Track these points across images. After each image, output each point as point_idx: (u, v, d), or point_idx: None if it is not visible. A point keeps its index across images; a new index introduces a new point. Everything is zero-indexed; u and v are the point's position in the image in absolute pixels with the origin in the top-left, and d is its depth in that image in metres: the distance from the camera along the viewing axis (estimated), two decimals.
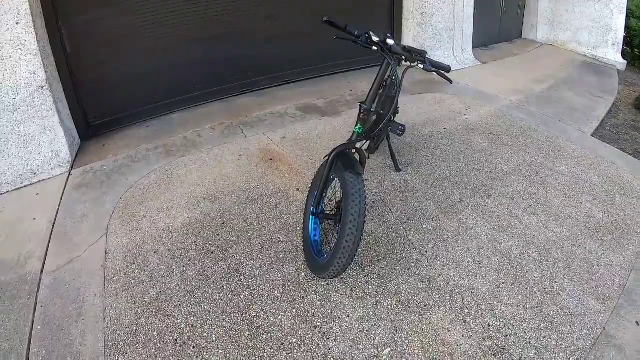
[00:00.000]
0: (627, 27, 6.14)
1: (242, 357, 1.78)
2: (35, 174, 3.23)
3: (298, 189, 2.83)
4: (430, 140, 3.46)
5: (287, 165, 3.11)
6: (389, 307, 2.01)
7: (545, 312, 1.99)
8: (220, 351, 1.81)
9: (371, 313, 1.98)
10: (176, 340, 1.84)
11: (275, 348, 1.82)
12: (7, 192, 3.09)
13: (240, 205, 2.72)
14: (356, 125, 2.10)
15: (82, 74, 3.62)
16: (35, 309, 2.05)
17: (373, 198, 2.74)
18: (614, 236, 2.48)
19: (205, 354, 1.80)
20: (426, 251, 2.31)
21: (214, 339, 1.86)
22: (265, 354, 1.80)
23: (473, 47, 5.52)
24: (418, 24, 5.03)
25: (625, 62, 5.95)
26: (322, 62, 4.83)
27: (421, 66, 2.01)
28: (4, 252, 2.44)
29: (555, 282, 2.16)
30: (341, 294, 2.06)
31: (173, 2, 3.89)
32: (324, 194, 2.16)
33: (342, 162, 1.98)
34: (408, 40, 5.23)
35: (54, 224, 2.68)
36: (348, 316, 1.96)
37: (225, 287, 2.10)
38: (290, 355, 1.80)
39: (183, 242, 2.42)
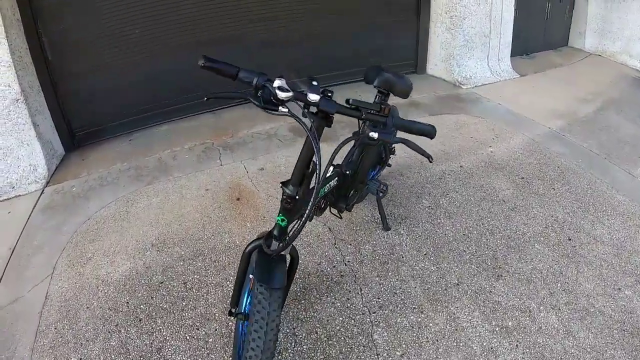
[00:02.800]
0: None
1: None
2: (13, 187, 2.97)
3: None
4: (440, 183, 2.68)
5: (253, 210, 2.49)
6: None
7: None
8: None
9: None
10: None
11: None
12: None
13: (186, 261, 2.17)
14: (279, 215, 1.38)
15: (65, 83, 3.24)
16: None
17: (342, 269, 2.05)
18: None
19: None
20: None
21: None
22: None
23: (512, 56, 4.51)
24: (447, 28, 4.11)
25: None
26: (330, 69, 4.11)
27: (374, 135, 1.16)
28: None
29: None
30: None
31: (159, 9, 3.37)
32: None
33: (258, 264, 1.34)
34: (435, 48, 4.33)
35: (12, 252, 2.39)
36: None
37: None
38: None
39: (116, 301, 1.98)
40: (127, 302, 1.96)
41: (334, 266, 2.06)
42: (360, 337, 1.70)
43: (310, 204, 1.14)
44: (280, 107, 1.15)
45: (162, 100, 3.65)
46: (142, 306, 1.94)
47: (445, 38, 4.14)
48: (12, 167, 2.97)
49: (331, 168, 1.73)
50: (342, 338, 1.70)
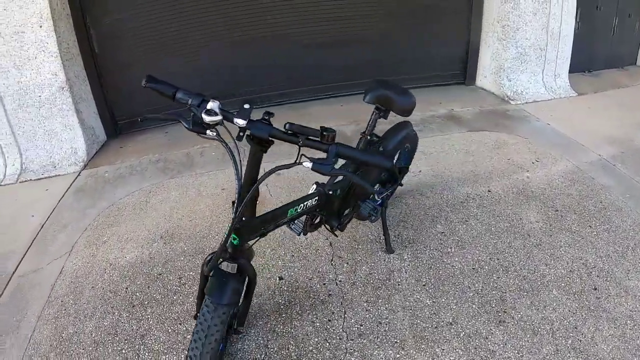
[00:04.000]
0: None
1: None
2: (55, 167, 3.25)
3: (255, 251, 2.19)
4: (460, 208, 2.48)
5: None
6: None
7: None
8: None
9: None
10: None
11: None
12: (29, 180, 3.16)
13: (186, 257, 2.21)
14: (232, 234, 1.31)
15: (109, 74, 3.46)
16: None
17: (332, 288, 1.96)
18: None
19: None
20: None
21: None
22: None
23: (571, 72, 4.06)
24: (498, 39, 3.79)
25: None
26: (371, 77, 3.97)
27: (308, 165, 1.06)
28: None
29: None
30: None
31: (202, 6, 3.45)
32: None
33: (211, 278, 1.31)
34: (485, 59, 4.02)
35: (42, 226, 2.62)
36: None
37: (123, 352, 1.73)
38: None
39: (117, 285, 2.09)
40: (127, 288, 2.06)
41: (324, 284, 1.98)
42: None
43: (231, 223, 1.17)
44: (208, 131, 1.11)
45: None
46: (138, 293, 2.01)
47: (496, 49, 3.83)
48: (55, 149, 3.24)
49: (314, 186, 1.65)
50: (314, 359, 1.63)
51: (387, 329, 1.74)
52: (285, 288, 1.97)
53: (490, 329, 1.73)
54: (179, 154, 3.30)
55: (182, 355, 1.69)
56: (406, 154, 2.36)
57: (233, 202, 1.26)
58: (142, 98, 3.61)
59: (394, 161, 2.18)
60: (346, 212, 1.91)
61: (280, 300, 1.90)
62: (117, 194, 2.87)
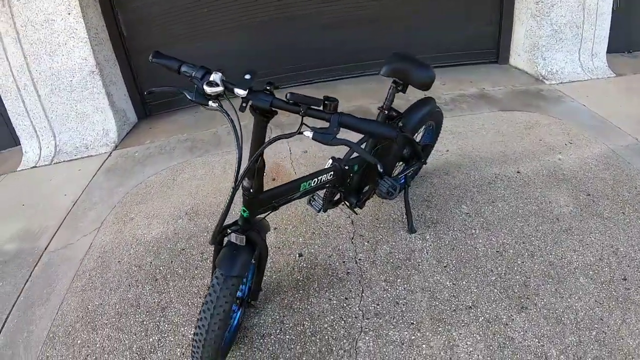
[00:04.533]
0: None
1: None
2: (87, 148, 3.37)
3: (275, 228, 2.21)
4: (487, 189, 2.39)
5: None
6: None
7: None
8: None
9: None
10: (85, 357, 1.70)
11: None
12: (63, 161, 3.29)
13: (209, 233, 2.25)
14: (242, 206, 1.34)
15: (138, 56, 3.53)
16: (27, 281, 2.14)
17: (351, 266, 1.94)
18: None
19: None
20: None
21: None
22: None
23: (610, 52, 3.77)
24: (532, 15, 3.56)
25: None
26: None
27: (309, 134, 1.04)
28: (31, 222, 2.61)
29: None
30: None
31: None
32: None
33: (222, 251, 1.34)
34: (519, 37, 3.79)
35: (74, 204, 2.75)
36: None
37: (144, 323, 1.80)
38: None
39: (142, 259, 2.17)
40: (151, 262, 2.13)
41: (344, 262, 1.97)
42: (344, 341, 1.61)
43: (230, 194, 1.19)
44: (210, 102, 1.13)
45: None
46: (161, 268, 2.09)
47: (530, 26, 3.61)
48: (87, 130, 3.36)
49: (330, 161, 1.63)
50: (326, 337, 1.63)
51: (404, 309, 1.72)
52: (304, 265, 1.98)
53: (511, 315, 1.67)
54: (206, 134, 3.35)
55: None
56: (430, 132, 2.29)
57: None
58: (171, 79, 3.68)
59: (417, 140, 2.13)
60: (365, 189, 1.88)
61: (298, 277, 1.91)
62: (145, 172, 2.96)
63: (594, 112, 3.07)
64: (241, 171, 1.19)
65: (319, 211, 1.72)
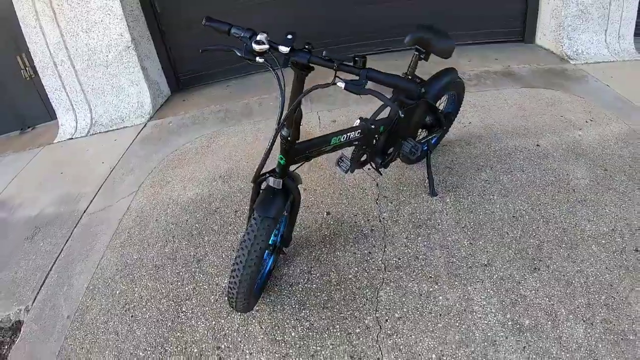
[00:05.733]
0: None
1: (155, 344, 1.68)
2: (122, 120, 3.53)
3: (305, 189, 2.34)
4: (507, 159, 2.45)
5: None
6: None
7: None
8: (144, 329, 1.74)
9: None
10: (124, 305, 1.86)
11: (178, 350, 1.65)
12: (99, 132, 3.46)
13: (242, 194, 2.42)
14: (280, 154, 1.49)
15: (172, 32, 3.65)
16: (67, 240, 2.33)
17: (375, 224, 2.06)
18: None
19: (134, 325, 1.76)
20: (386, 320, 1.63)
21: (147, 316, 1.79)
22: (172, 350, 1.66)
23: (637, 35, 3.68)
24: None
25: None
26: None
27: (341, 85, 1.17)
28: (71, 187, 2.81)
29: None
30: (260, 328, 1.66)
31: None
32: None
33: (260, 195, 1.49)
34: (545, 16, 3.75)
35: (111, 171, 2.92)
36: (251, 354, 1.58)
37: (181, 274, 1.97)
38: None
39: (179, 218, 2.33)
40: (187, 220, 2.29)
41: (368, 220, 2.10)
42: (367, 290, 1.75)
43: (272, 136, 1.35)
44: (257, 58, 1.27)
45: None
46: (196, 225, 2.24)
47: (556, 5, 3.56)
48: (123, 103, 3.52)
49: (357, 121, 1.73)
50: (350, 287, 1.77)
51: (423, 264, 1.84)
52: (332, 222, 2.11)
53: (524, 275, 1.76)
54: (239, 104, 3.48)
55: None
56: (452, 101, 2.37)
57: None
58: (201, 56, 3.80)
59: (440, 109, 2.21)
60: (390, 150, 1.99)
61: (326, 233, 2.05)
62: (180, 140, 3.11)
63: (617, 93, 3.06)
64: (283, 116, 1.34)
65: (346, 171, 1.84)
